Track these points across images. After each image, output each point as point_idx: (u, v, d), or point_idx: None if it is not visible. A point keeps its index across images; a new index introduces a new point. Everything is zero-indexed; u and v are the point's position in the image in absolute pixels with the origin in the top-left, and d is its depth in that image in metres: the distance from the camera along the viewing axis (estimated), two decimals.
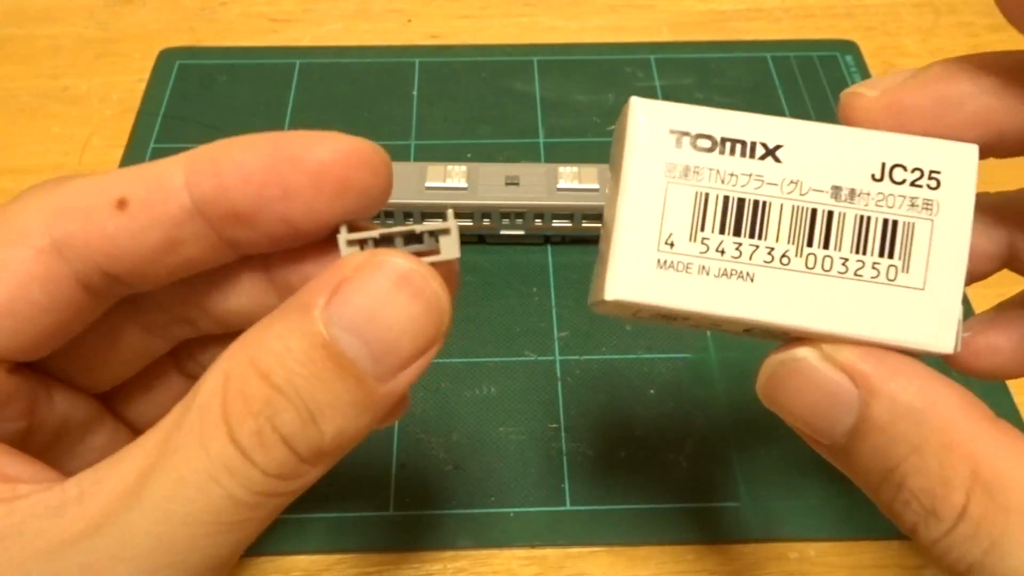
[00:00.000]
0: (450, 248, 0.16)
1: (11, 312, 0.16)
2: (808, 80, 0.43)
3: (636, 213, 0.16)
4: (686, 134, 0.16)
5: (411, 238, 0.16)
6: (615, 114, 0.42)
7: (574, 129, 0.41)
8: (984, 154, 0.16)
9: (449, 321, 0.16)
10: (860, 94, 0.17)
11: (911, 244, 0.16)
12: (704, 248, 0.16)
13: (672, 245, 0.16)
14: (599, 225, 0.34)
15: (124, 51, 0.44)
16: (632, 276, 0.16)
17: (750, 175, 0.16)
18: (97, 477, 0.14)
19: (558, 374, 0.32)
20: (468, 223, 0.35)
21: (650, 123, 0.16)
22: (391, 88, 0.43)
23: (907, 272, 0.16)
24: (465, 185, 0.34)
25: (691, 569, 0.28)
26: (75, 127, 0.41)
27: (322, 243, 0.17)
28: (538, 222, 0.35)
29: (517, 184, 0.35)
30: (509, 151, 0.40)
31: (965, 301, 0.34)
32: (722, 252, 0.16)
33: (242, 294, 0.18)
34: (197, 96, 0.42)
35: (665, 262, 0.16)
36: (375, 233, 0.16)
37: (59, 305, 0.16)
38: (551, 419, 0.31)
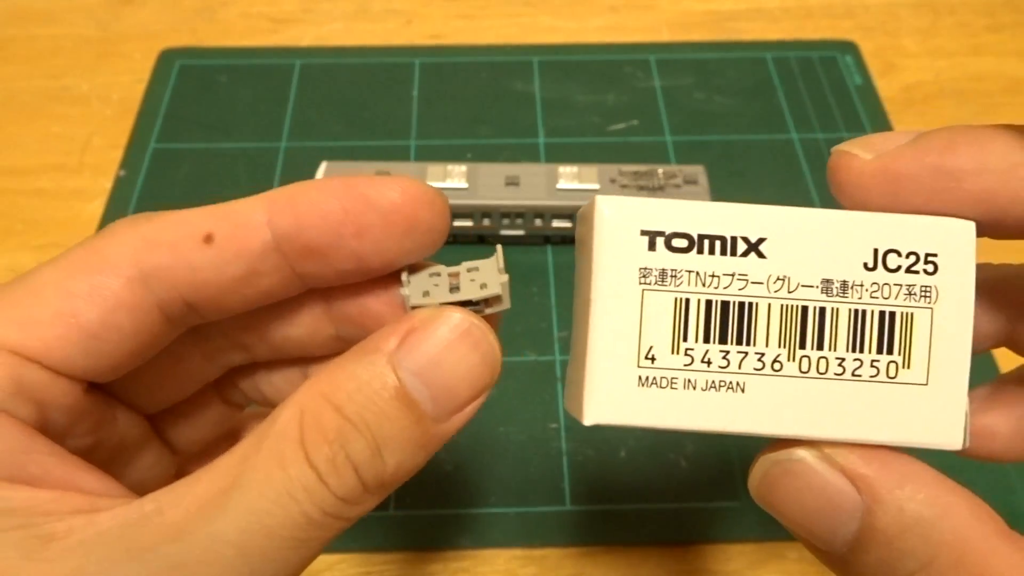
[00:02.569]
0: (502, 302, 0.18)
1: (99, 336, 0.17)
2: (808, 80, 0.43)
3: (611, 325, 0.15)
4: (660, 234, 0.15)
5: (468, 303, 0.18)
6: (615, 114, 0.42)
7: (574, 129, 0.41)
8: (979, 232, 0.15)
9: (500, 371, 0.17)
10: (852, 155, 0.16)
11: (911, 336, 0.15)
12: (688, 360, 0.15)
13: (653, 359, 0.15)
14: None
15: (124, 51, 0.44)
16: (611, 398, 0.15)
17: (733, 275, 0.15)
18: (176, 494, 0.15)
19: (558, 374, 0.32)
20: (468, 223, 0.35)
21: (619, 224, 0.15)
22: (391, 88, 0.43)
23: (908, 368, 0.15)
24: (465, 185, 0.34)
25: (691, 569, 0.28)
26: (75, 127, 0.41)
27: (382, 279, 0.18)
28: (538, 222, 0.35)
29: (517, 184, 0.35)
30: (509, 151, 0.40)
31: None
32: (708, 363, 0.15)
33: (301, 323, 0.19)
34: (197, 96, 0.42)
35: (647, 379, 0.15)
36: (436, 303, 0.18)
37: (141, 331, 0.17)
38: (551, 419, 0.31)
